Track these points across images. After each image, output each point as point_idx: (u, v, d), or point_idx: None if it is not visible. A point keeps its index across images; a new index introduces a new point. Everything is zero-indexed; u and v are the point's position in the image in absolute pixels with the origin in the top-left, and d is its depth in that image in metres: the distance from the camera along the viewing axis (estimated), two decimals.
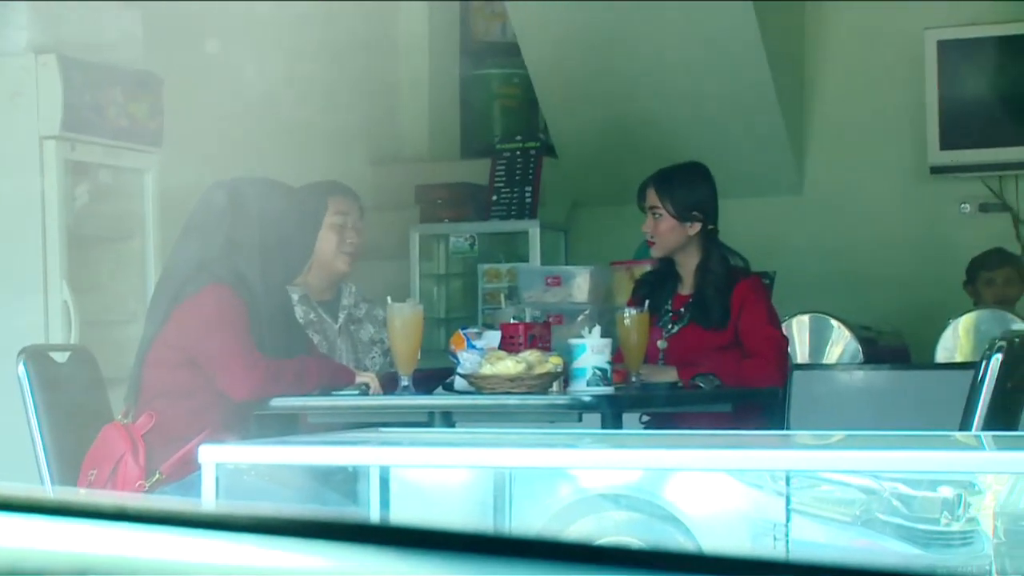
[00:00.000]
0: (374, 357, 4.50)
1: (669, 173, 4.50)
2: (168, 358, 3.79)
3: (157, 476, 3.69)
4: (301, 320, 4.35)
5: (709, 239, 4.44)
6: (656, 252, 4.48)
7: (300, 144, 6.55)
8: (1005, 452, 3.11)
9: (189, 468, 3.58)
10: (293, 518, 0.75)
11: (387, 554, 0.72)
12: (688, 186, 4.45)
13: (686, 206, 4.41)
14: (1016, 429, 4.02)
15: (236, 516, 0.76)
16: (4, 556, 0.77)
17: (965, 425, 3.89)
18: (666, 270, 4.49)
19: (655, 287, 4.43)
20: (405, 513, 2.95)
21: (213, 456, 2.92)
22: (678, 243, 4.42)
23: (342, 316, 4.49)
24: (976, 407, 3.90)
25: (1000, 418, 3.91)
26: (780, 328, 4.54)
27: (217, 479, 2.89)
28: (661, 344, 4.33)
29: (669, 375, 4.24)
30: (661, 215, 4.42)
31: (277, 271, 3.91)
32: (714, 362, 4.24)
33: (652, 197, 4.44)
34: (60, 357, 4.01)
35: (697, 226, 4.42)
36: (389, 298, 4.06)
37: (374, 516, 2.89)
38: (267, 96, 6.37)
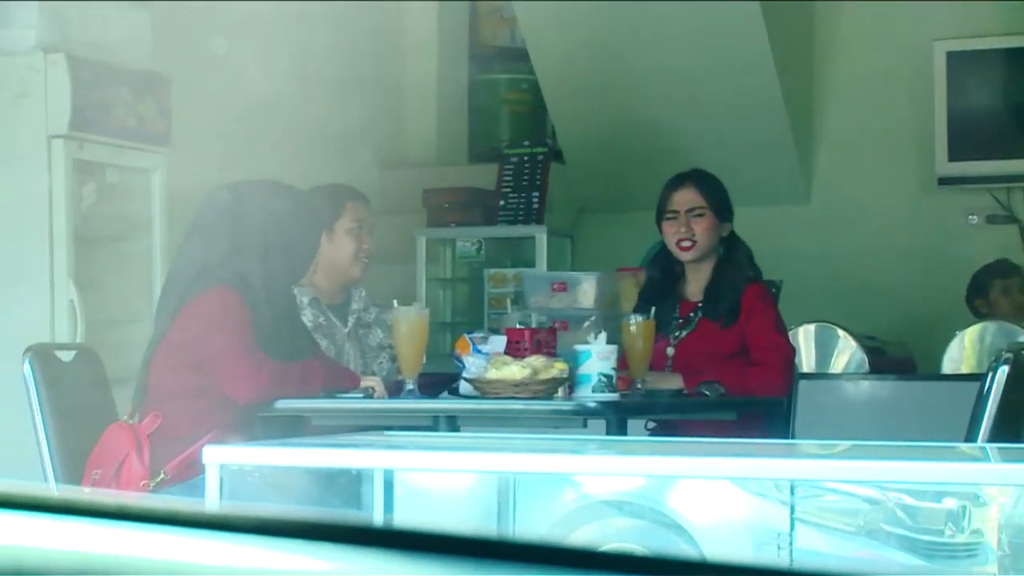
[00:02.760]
0: (382, 362, 4.49)
1: (699, 174, 4.46)
2: (174, 360, 3.79)
3: (161, 476, 3.69)
4: (310, 324, 4.35)
5: (733, 240, 4.43)
6: (693, 254, 4.37)
7: (308, 146, 6.55)
8: (1010, 464, 3.10)
9: (194, 469, 3.58)
10: (296, 520, 0.75)
11: (390, 557, 0.72)
12: (721, 186, 4.45)
13: (726, 204, 4.41)
14: (1021, 441, 4.01)
15: (239, 517, 0.75)
16: (7, 554, 0.77)
17: (970, 436, 3.89)
18: (670, 279, 4.46)
19: (661, 295, 4.40)
20: (409, 517, 2.95)
21: (217, 457, 2.92)
22: (714, 243, 4.39)
23: (351, 320, 4.49)
24: (981, 419, 3.90)
25: (1005, 430, 3.90)
26: (787, 337, 4.53)
27: (221, 480, 2.88)
28: (668, 351, 4.31)
29: (674, 382, 4.23)
30: (703, 214, 4.37)
31: (281, 273, 3.91)
32: (719, 369, 4.22)
33: (691, 197, 4.37)
34: (66, 356, 4.01)
35: (728, 228, 4.42)
36: (395, 301, 4.06)
37: (378, 519, 2.89)
38: (274, 98, 6.37)
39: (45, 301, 5.10)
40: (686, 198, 4.38)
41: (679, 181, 4.43)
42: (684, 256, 4.38)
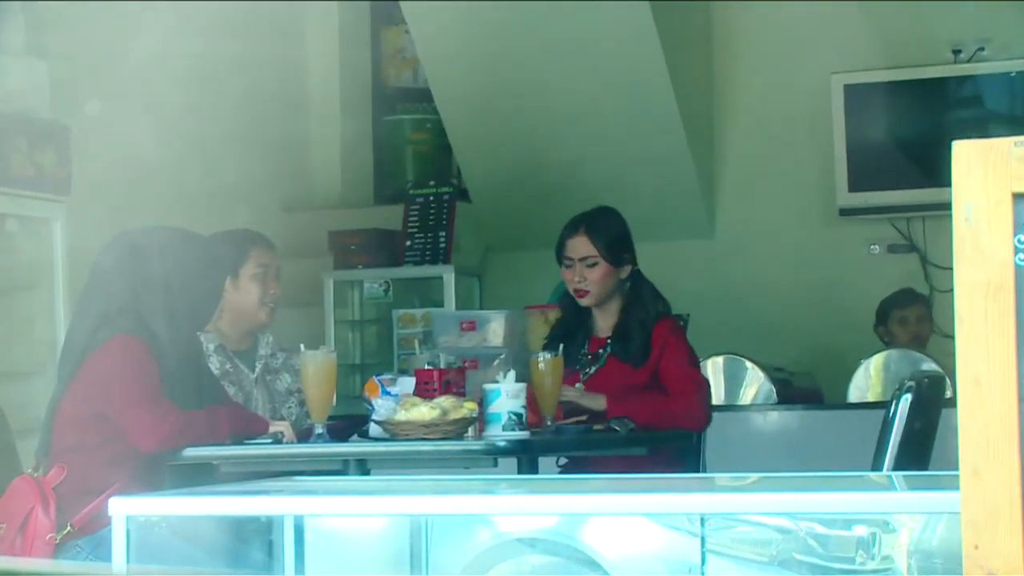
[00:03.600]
0: (291, 407, 4.47)
1: (593, 219, 4.46)
2: (78, 411, 3.74)
3: (68, 529, 3.63)
4: (217, 371, 4.31)
5: (638, 277, 4.45)
6: (590, 301, 4.40)
7: (209, 195, 6.51)
8: (916, 492, 3.14)
9: (101, 521, 3.53)
10: None
11: None
12: (615, 229, 4.45)
13: (619, 250, 4.40)
14: (926, 467, 4.06)
15: None
16: None
17: (877, 464, 3.93)
18: (579, 316, 4.47)
19: (569, 333, 4.41)
20: (321, 563, 2.92)
21: (123, 509, 2.88)
22: (612, 288, 4.41)
23: (259, 366, 4.46)
24: (887, 446, 3.95)
25: (911, 457, 3.95)
26: (700, 370, 4.57)
27: (128, 532, 2.84)
28: (578, 387, 4.32)
29: (598, 402, 4.23)
30: (596, 263, 4.38)
31: (184, 319, 3.87)
32: (640, 399, 4.23)
33: (584, 247, 4.39)
34: None
35: (627, 269, 4.43)
36: (302, 345, 4.03)
37: (288, 568, 2.86)
38: (176, 148, 6.33)
39: None
40: (579, 247, 4.40)
41: (573, 228, 4.44)
42: (582, 302, 4.42)
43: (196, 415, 3.78)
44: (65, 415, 3.76)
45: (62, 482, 3.68)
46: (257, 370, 4.45)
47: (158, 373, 3.75)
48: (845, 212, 6.91)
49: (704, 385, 4.45)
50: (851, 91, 6.86)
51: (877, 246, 7.00)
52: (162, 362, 3.77)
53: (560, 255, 4.45)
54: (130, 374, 3.72)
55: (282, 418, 4.26)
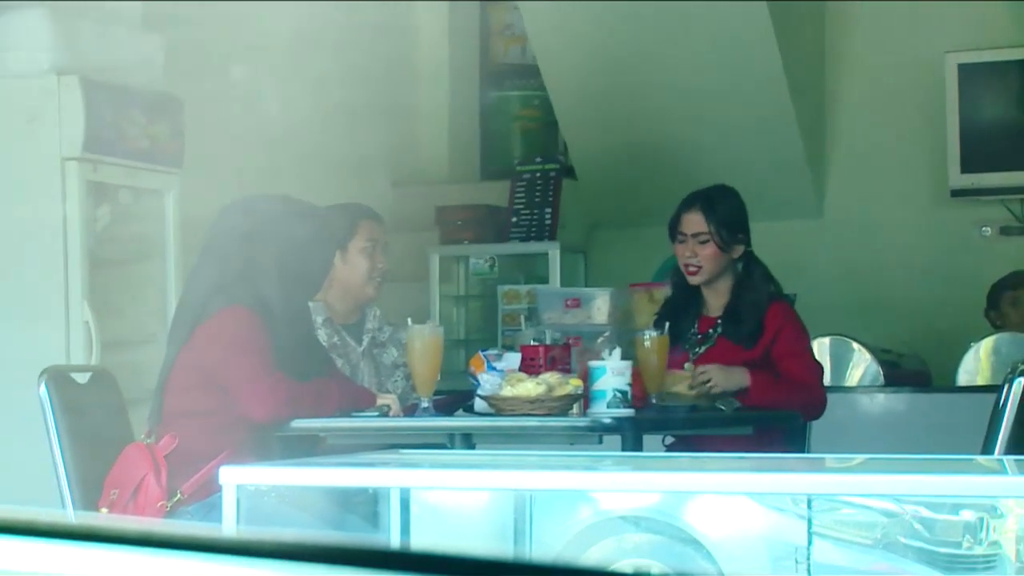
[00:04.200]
0: (396, 380, 4.49)
1: (710, 197, 4.42)
2: (189, 380, 3.79)
3: (178, 496, 3.69)
4: (325, 343, 4.34)
5: (750, 260, 4.42)
6: (699, 279, 4.37)
7: (320, 166, 6.57)
8: None
9: (210, 489, 3.58)
10: (313, 544, 0.75)
11: None
12: (731, 209, 4.40)
13: (732, 230, 4.37)
14: None
15: (257, 542, 0.76)
16: None
17: (987, 449, 3.88)
18: (689, 294, 4.45)
19: (679, 311, 4.39)
20: (426, 535, 2.95)
21: (234, 478, 2.92)
22: (723, 267, 4.38)
23: (366, 339, 4.48)
24: (998, 431, 3.89)
25: (1023, 442, 3.89)
26: (816, 359, 4.54)
27: (238, 501, 2.89)
28: (687, 367, 4.29)
29: (741, 378, 4.19)
30: (708, 240, 4.35)
31: (296, 290, 3.91)
32: (773, 383, 4.21)
33: (697, 223, 4.35)
34: (81, 378, 4.02)
35: (740, 249, 4.39)
36: (409, 320, 4.06)
37: (395, 539, 2.89)
38: (287, 122, 6.39)
39: (60, 323, 5.11)
40: (693, 223, 4.36)
41: (689, 204, 4.40)
42: (691, 280, 4.39)
43: (305, 386, 3.82)
44: (176, 382, 3.81)
45: (173, 450, 3.73)
46: (364, 343, 4.48)
47: (269, 344, 3.79)
48: (957, 193, 6.81)
49: (823, 374, 4.45)
50: (965, 70, 6.76)
51: (989, 228, 6.90)
52: (274, 333, 3.81)
53: (674, 230, 4.42)
54: (242, 345, 3.76)
55: (388, 391, 4.29)
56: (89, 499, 3.76)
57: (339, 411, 3.88)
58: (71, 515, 3.63)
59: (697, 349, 4.36)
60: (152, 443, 3.77)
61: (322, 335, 4.38)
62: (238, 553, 0.74)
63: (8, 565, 0.78)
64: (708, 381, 4.14)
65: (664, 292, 4.69)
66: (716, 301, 4.42)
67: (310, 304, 4.25)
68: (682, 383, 4.17)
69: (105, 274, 5.32)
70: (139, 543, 0.76)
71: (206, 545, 0.75)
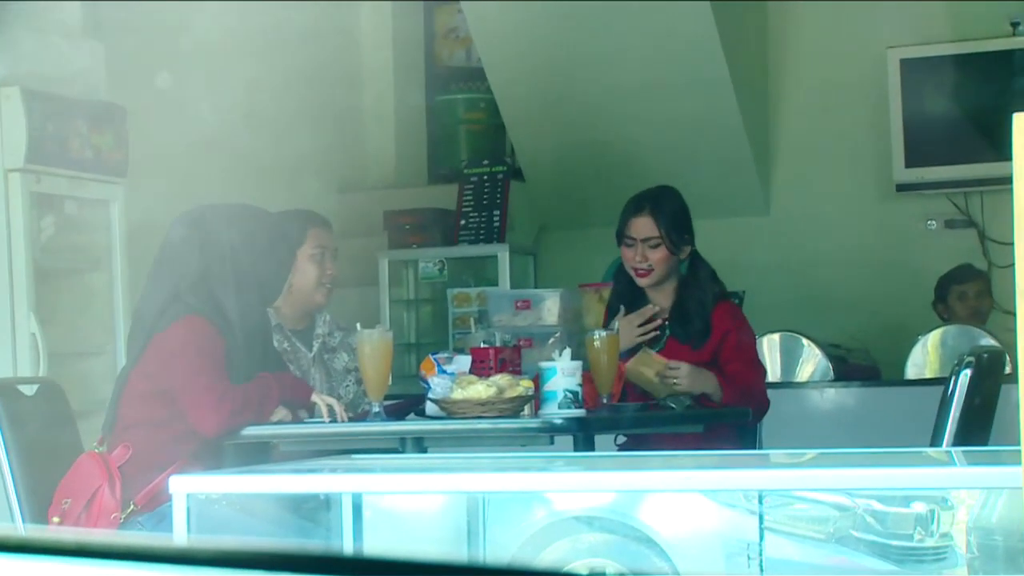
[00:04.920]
0: (348, 385, 4.48)
1: (657, 200, 4.43)
2: (143, 389, 3.78)
3: (132, 508, 3.67)
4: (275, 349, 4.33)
5: (695, 258, 4.42)
6: (649, 282, 4.36)
7: (265, 172, 6.54)
8: (976, 468, 3.12)
9: (161, 499, 3.56)
10: (261, 551, 0.74)
11: None
12: (678, 210, 4.40)
13: (680, 231, 4.37)
14: (986, 444, 4.03)
15: (205, 551, 0.75)
16: None
17: (936, 441, 3.91)
18: (635, 295, 4.45)
19: (627, 310, 4.39)
20: (379, 540, 2.94)
21: (184, 487, 2.91)
22: (672, 269, 4.39)
23: (316, 345, 4.47)
24: (946, 423, 3.92)
25: (970, 433, 3.92)
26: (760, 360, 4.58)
27: (188, 509, 2.87)
28: (656, 357, 4.29)
29: (707, 383, 4.20)
30: (659, 244, 4.34)
31: (253, 297, 3.89)
32: (727, 395, 4.23)
33: (647, 227, 4.34)
34: (28, 390, 3.99)
35: (687, 250, 4.40)
36: (359, 324, 4.05)
37: (347, 545, 2.88)
38: (228, 127, 6.35)
39: (6, 335, 5.07)
40: (642, 227, 4.36)
41: (637, 208, 4.39)
42: (641, 282, 4.39)
43: (249, 388, 3.80)
44: (132, 391, 3.80)
45: (127, 461, 3.71)
46: (315, 349, 4.47)
47: (223, 354, 3.77)
48: (902, 188, 6.86)
49: (766, 376, 4.49)
50: (907, 65, 6.81)
51: (934, 221, 6.95)
52: (229, 340, 3.79)
53: (621, 234, 4.41)
54: (194, 356, 3.75)
55: (339, 397, 4.28)
56: (38, 510, 3.73)
57: (282, 403, 3.87)
58: (20, 527, 3.60)
59: (648, 350, 4.36)
60: (105, 452, 3.75)
61: (272, 341, 4.36)
62: (189, 563, 0.73)
63: None
64: (676, 379, 4.15)
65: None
66: (663, 302, 4.42)
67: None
68: (650, 368, 4.17)
69: (51, 285, 5.29)
70: (90, 554, 0.75)
71: (154, 555, 0.74)
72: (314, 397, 3.95)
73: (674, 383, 4.16)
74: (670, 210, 4.38)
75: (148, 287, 3.93)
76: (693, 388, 4.18)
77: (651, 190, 4.47)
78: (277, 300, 4.23)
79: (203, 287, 3.81)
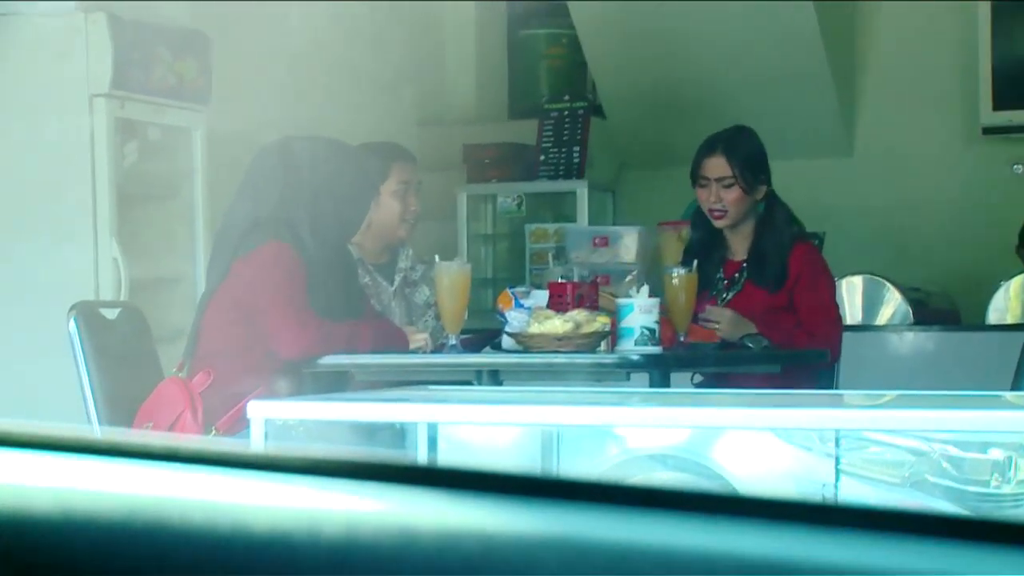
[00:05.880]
0: (427, 320, 4.49)
1: (731, 140, 4.38)
2: (225, 314, 3.81)
3: (212, 433, 3.71)
4: None
5: (772, 200, 4.39)
6: (725, 222, 4.34)
7: (347, 103, 6.55)
8: None
9: (242, 424, 3.60)
10: (342, 460, 0.75)
11: (437, 495, 0.72)
12: (753, 150, 4.37)
13: (755, 171, 4.34)
14: None
15: (286, 458, 0.76)
16: (58, 496, 0.78)
17: (1016, 387, 3.87)
18: (713, 238, 4.42)
19: (703, 256, 4.36)
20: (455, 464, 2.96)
21: (262, 412, 2.94)
22: (748, 210, 4.35)
23: (398, 279, 4.48)
24: None
25: None
26: (836, 303, 4.51)
27: (266, 434, 2.90)
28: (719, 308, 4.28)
29: (747, 327, 4.19)
30: (732, 184, 4.31)
31: (334, 228, 3.92)
32: (771, 327, 4.19)
33: (720, 167, 4.31)
34: (110, 314, 4.04)
35: (763, 190, 4.36)
36: (437, 256, 4.06)
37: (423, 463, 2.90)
38: (313, 52, 6.37)
39: (89, 259, 5.13)
40: (715, 167, 4.33)
41: (710, 148, 4.36)
42: (717, 224, 4.36)
43: (337, 327, 3.82)
44: (213, 316, 3.83)
45: (208, 387, 3.75)
46: (396, 283, 4.48)
47: (305, 282, 3.80)
48: (988, 131, 6.76)
49: (840, 323, 4.41)
50: (998, 7, 6.69)
51: (1020, 166, 6.84)
52: (311, 270, 3.81)
53: (695, 175, 4.38)
54: (277, 281, 3.77)
55: (419, 330, 4.29)
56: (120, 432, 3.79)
57: (373, 350, 3.89)
58: (102, 433, 3.65)
59: (725, 295, 4.34)
60: (187, 378, 3.79)
61: None
62: (266, 468, 0.74)
63: (40, 481, 0.79)
64: (717, 324, 4.14)
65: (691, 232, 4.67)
66: (740, 244, 4.40)
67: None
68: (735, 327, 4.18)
69: (133, 211, 5.34)
70: (166, 458, 0.76)
71: (235, 461, 0.75)
72: (412, 345, 3.97)
73: (716, 328, 4.14)
74: (744, 150, 4.34)
75: (231, 211, 3.96)
76: (732, 336, 4.16)
77: (725, 131, 4.44)
78: (356, 236, 4.25)
79: (285, 216, 3.83)
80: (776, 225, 4.35)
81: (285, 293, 3.76)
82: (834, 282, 4.52)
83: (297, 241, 3.81)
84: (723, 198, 4.32)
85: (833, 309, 4.41)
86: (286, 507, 0.73)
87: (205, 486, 0.75)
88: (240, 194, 3.94)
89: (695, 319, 4.13)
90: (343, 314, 3.89)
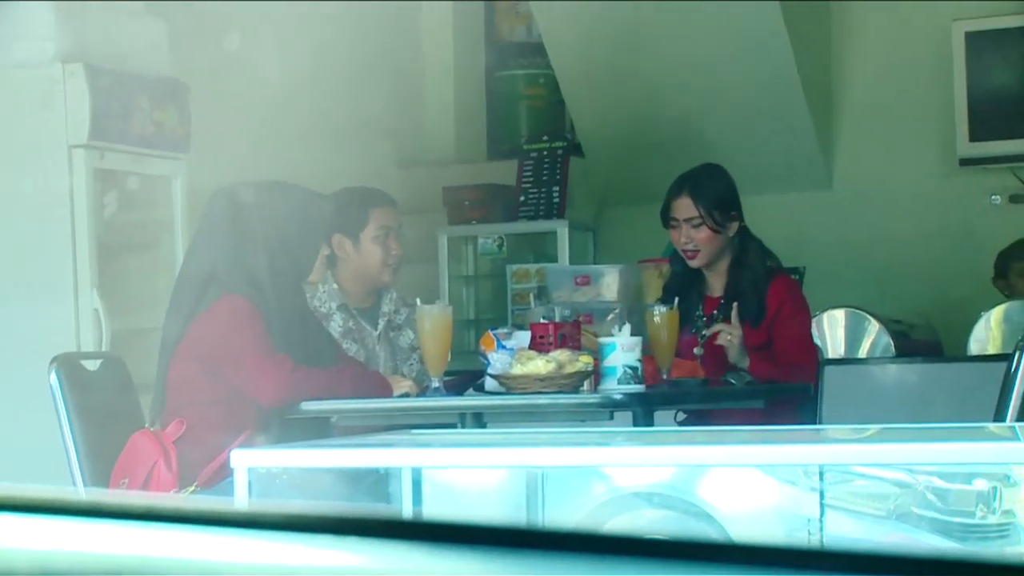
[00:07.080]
0: (412, 364, 4.48)
1: (696, 179, 4.40)
2: (190, 369, 3.79)
3: (193, 488, 3.68)
4: (340, 329, 4.34)
5: (745, 236, 4.40)
6: (699, 262, 4.36)
7: (326, 146, 6.56)
8: None
9: (221, 474, 3.58)
10: (324, 515, 0.75)
11: (420, 549, 0.72)
12: (721, 188, 4.39)
13: (724, 209, 4.35)
14: None
15: (267, 514, 0.75)
16: (38, 558, 0.77)
17: (999, 418, 3.87)
18: (691, 276, 4.43)
19: (683, 293, 4.37)
20: (438, 514, 2.95)
21: (245, 461, 2.92)
22: (721, 247, 4.37)
23: (382, 323, 4.47)
24: (1010, 399, 3.88)
25: None
26: (813, 336, 4.53)
27: (250, 483, 2.89)
28: (697, 351, 4.28)
29: (746, 357, 4.18)
30: (700, 224, 4.34)
31: (287, 273, 3.89)
32: (752, 366, 4.20)
33: (688, 208, 4.33)
34: (91, 365, 4.02)
35: (734, 226, 4.37)
36: (418, 300, 4.06)
37: (407, 515, 2.89)
38: (291, 96, 6.38)
39: (70, 310, 5.12)
40: (683, 208, 4.35)
41: (677, 189, 4.38)
42: (691, 263, 4.38)
43: (318, 373, 3.81)
44: (178, 371, 3.81)
45: (182, 436, 3.73)
46: (380, 327, 4.47)
47: (267, 329, 3.78)
48: (965, 162, 6.79)
49: (818, 355, 4.44)
50: (972, 38, 6.74)
51: (998, 196, 6.87)
52: (271, 318, 3.79)
53: (665, 216, 4.41)
54: (241, 332, 3.75)
55: (403, 374, 4.29)
56: (101, 485, 3.76)
57: (356, 397, 3.88)
58: (81, 494, 3.63)
59: (705, 332, 4.35)
60: (159, 429, 3.77)
61: (337, 321, 4.37)
62: (247, 526, 0.74)
63: (20, 543, 0.78)
64: (730, 338, 4.13)
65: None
66: (717, 281, 4.41)
67: (328, 288, 4.25)
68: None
69: (114, 260, 5.33)
70: (146, 518, 0.75)
71: (216, 519, 0.75)
72: (397, 392, 3.95)
73: (728, 339, 4.13)
74: (711, 189, 4.36)
75: (185, 266, 3.96)
76: (734, 352, 4.16)
77: (692, 170, 4.46)
78: (335, 279, 4.24)
79: (238, 266, 3.81)
80: (749, 261, 4.37)
81: (251, 343, 3.74)
82: (810, 314, 4.53)
83: (255, 292, 3.78)
84: (693, 238, 4.34)
85: (811, 343, 4.44)
86: (268, 564, 0.73)
87: (187, 545, 0.74)
88: (192, 246, 3.94)
89: (678, 353, 4.13)
90: (316, 359, 3.87)
